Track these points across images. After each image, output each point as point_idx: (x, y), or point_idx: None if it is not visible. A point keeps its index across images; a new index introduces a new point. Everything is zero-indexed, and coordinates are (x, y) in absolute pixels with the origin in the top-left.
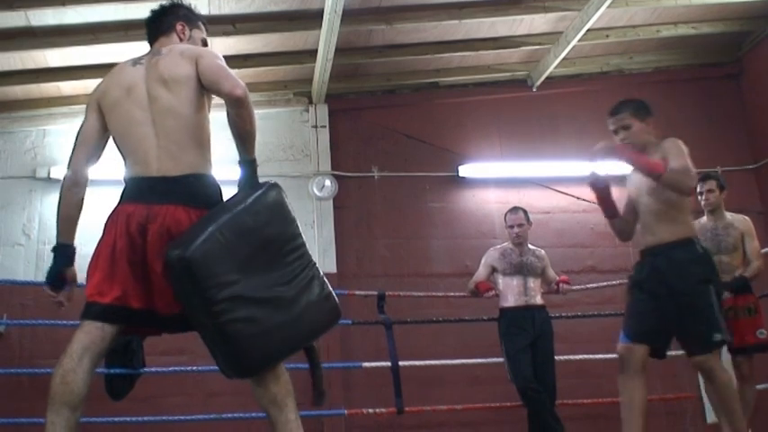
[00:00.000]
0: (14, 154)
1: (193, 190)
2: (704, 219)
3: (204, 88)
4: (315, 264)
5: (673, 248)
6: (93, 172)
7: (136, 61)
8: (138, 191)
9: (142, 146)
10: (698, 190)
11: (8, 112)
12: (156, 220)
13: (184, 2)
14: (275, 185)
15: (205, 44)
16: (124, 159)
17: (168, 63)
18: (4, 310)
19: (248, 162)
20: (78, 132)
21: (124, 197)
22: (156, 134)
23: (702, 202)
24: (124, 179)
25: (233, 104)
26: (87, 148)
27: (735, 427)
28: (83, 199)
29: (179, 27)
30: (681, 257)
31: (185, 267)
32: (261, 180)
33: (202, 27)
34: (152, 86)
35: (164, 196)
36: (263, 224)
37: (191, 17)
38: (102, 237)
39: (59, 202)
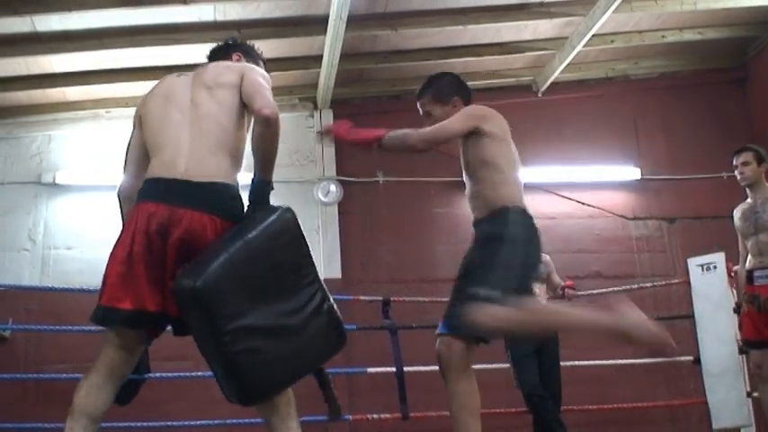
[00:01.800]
0: (20, 159)
1: (219, 198)
2: (747, 200)
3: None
4: (324, 289)
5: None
6: (91, 178)
7: (181, 74)
8: (161, 191)
9: (173, 146)
10: (733, 163)
11: (13, 117)
12: (180, 224)
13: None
14: (288, 210)
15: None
16: (151, 158)
17: (214, 72)
18: (9, 314)
19: (262, 183)
20: (127, 147)
21: (145, 195)
22: (190, 135)
23: (738, 177)
24: (144, 179)
25: (259, 122)
26: (134, 161)
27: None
28: None
29: (235, 57)
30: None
31: (195, 298)
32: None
33: (261, 65)
34: (196, 92)
35: (188, 200)
36: (275, 251)
37: (250, 53)
38: (120, 236)
39: (121, 212)
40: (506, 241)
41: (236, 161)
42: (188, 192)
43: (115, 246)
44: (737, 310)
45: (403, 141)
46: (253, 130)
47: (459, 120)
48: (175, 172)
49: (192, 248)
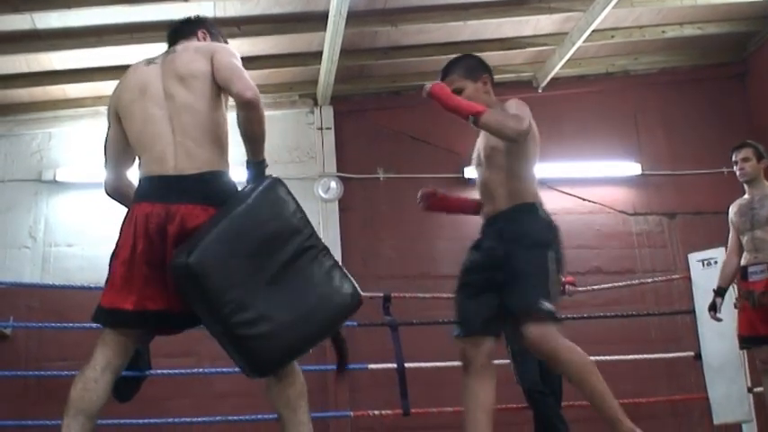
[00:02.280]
0: (20, 156)
1: (210, 188)
2: (745, 195)
3: (219, 86)
4: (326, 249)
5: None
6: (91, 175)
7: (150, 61)
8: (156, 190)
9: (159, 143)
10: (732, 159)
11: (14, 114)
12: (175, 220)
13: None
14: (276, 180)
15: None
16: (139, 158)
17: (184, 59)
18: (10, 312)
19: (256, 164)
20: (105, 142)
21: (141, 196)
22: (172, 131)
23: (737, 173)
24: (139, 178)
25: (242, 106)
26: (115, 156)
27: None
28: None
29: (200, 34)
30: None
31: (189, 275)
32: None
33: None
34: (168, 83)
35: (181, 195)
36: (266, 221)
37: (213, 31)
38: (120, 237)
39: (125, 206)
40: (552, 248)
41: (222, 145)
42: (180, 186)
43: (117, 246)
44: (718, 292)
45: (499, 128)
46: (237, 115)
47: (524, 110)
48: (166, 168)
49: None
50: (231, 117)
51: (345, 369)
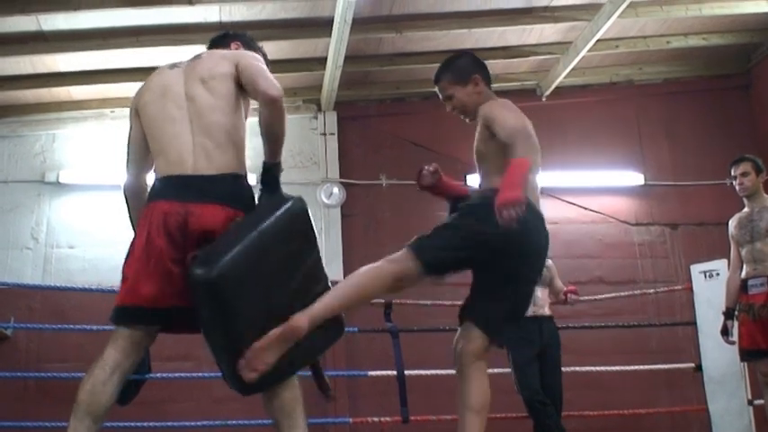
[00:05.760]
0: (24, 157)
1: (229, 189)
2: (745, 209)
3: (242, 90)
4: (327, 277)
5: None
6: (94, 177)
7: (174, 65)
8: (174, 188)
9: (177, 143)
10: (731, 174)
11: (18, 115)
12: (196, 219)
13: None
14: (300, 200)
15: None
16: (156, 158)
17: (207, 63)
18: (12, 313)
19: (273, 165)
20: (127, 142)
21: (157, 195)
22: (192, 132)
23: (737, 188)
24: (155, 178)
25: (266, 104)
26: (136, 158)
27: None
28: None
29: (233, 45)
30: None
31: (210, 289)
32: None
33: (260, 55)
34: (190, 85)
35: (201, 195)
36: (288, 241)
37: (250, 43)
38: (135, 237)
39: (128, 210)
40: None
41: (240, 149)
42: (199, 186)
43: (132, 245)
44: (727, 315)
45: (524, 179)
46: (259, 113)
47: (516, 117)
48: (185, 168)
49: (210, 242)
50: (248, 123)
51: (327, 392)
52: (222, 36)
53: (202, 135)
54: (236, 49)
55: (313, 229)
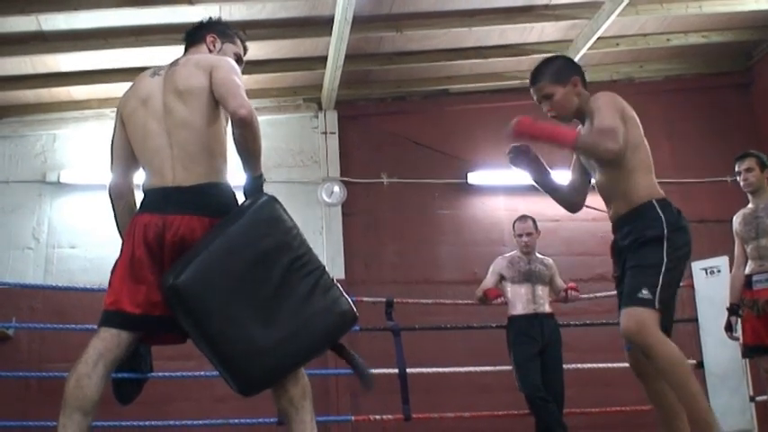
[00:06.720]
0: (25, 158)
1: (207, 199)
2: (749, 205)
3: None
4: (322, 269)
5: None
6: (95, 177)
7: (155, 72)
8: (154, 201)
9: (158, 157)
10: (736, 170)
11: (19, 116)
12: (171, 230)
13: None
14: (270, 198)
15: (238, 59)
16: (142, 169)
17: (183, 74)
18: (13, 313)
19: (253, 178)
20: (111, 145)
21: (142, 207)
22: (170, 145)
23: (741, 183)
24: (142, 190)
25: (237, 124)
26: (121, 160)
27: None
28: (134, 203)
29: (209, 39)
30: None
31: (177, 295)
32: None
33: (238, 42)
34: (168, 98)
35: (178, 206)
36: (258, 239)
37: (225, 31)
38: (122, 246)
39: (114, 213)
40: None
41: (220, 158)
42: (178, 198)
43: (119, 255)
44: (731, 311)
45: (594, 150)
46: (232, 132)
47: (613, 114)
48: (165, 180)
49: (185, 252)
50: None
51: (366, 377)
52: (197, 28)
53: (180, 148)
54: (212, 42)
55: (289, 224)
